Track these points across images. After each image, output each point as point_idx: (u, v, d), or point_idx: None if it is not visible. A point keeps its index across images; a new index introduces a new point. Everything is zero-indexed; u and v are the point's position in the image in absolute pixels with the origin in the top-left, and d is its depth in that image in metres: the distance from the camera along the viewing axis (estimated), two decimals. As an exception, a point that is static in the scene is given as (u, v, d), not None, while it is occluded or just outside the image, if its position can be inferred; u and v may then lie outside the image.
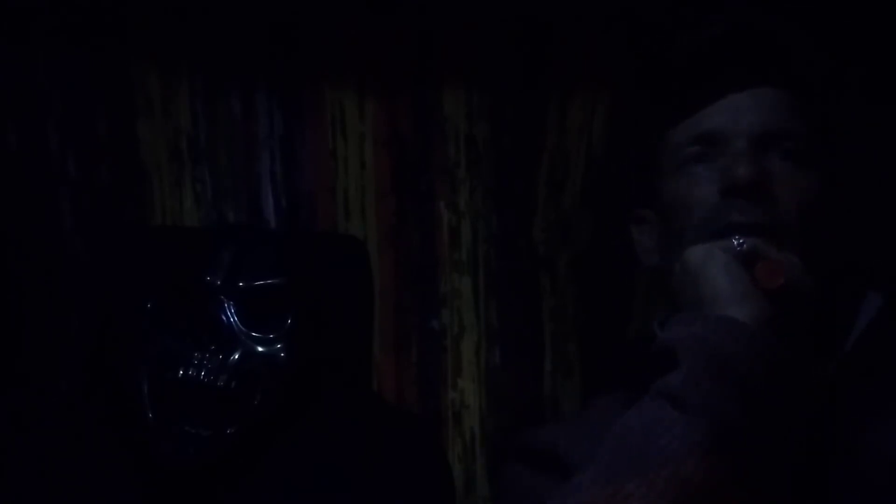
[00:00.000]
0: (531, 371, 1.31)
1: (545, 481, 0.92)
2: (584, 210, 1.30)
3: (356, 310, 1.22)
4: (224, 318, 1.04)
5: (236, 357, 1.03)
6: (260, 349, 1.04)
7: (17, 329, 1.26)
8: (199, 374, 1.01)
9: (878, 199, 1.22)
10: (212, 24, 1.28)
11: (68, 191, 1.28)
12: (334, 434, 1.07)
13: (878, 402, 0.86)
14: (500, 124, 1.30)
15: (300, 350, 1.06)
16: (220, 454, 1.00)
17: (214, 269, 1.06)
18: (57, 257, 1.27)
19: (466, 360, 1.31)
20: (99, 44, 1.27)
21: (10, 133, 1.27)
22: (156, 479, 1.01)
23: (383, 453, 1.06)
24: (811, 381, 0.80)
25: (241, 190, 1.30)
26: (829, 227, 0.92)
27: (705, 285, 0.81)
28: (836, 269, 0.91)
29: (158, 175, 1.29)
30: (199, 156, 1.29)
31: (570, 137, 1.30)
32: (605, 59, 1.27)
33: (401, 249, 1.30)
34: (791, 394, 0.76)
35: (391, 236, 1.30)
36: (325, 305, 1.12)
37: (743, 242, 0.83)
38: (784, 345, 0.77)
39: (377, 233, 1.30)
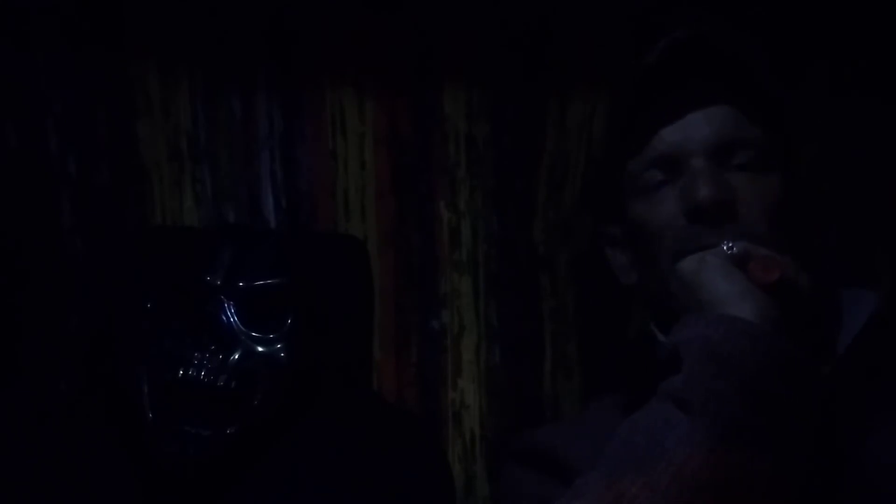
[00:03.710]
0: (531, 371, 1.31)
1: (544, 482, 0.92)
2: (584, 210, 1.30)
3: (356, 310, 1.22)
4: (224, 318, 1.04)
5: (236, 357, 1.03)
6: (260, 349, 1.05)
7: (17, 329, 1.26)
8: (199, 374, 1.01)
9: (855, 196, 1.23)
10: (212, 24, 1.28)
11: (68, 191, 1.28)
12: (334, 434, 1.07)
13: (874, 404, 0.86)
14: (500, 124, 1.30)
15: (300, 350, 1.06)
16: (220, 454, 1.00)
17: (214, 269, 1.06)
18: (57, 257, 1.27)
19: (466, 360, 1.30)
20: (99, 44, 1.27)
21: (10, 133, 1.27)
22: (156, 479, 1.01)
23: (383, 453, 1.06)
24: (815, 379, 0.79)
25: (241, 190, 1.30)
26: (799, 226, 0.92)
27: (703, 291, 0.80)
28: (817, 267, 0.90)
29: (158, 175, 1.29)
30: (199, 156, 1.29)
31: (570, 137, 1.30)
32: (605, 59, 1.27)
33: (401, 249, 1.30)
34: (796, 391, 0.76)
35: (391, 236, 1.30)
36: (325, 305, 1.12)
37: (733, 246, 0.83)
38: (789, 341, 0.77)
39: (377, 233, 1.30)
